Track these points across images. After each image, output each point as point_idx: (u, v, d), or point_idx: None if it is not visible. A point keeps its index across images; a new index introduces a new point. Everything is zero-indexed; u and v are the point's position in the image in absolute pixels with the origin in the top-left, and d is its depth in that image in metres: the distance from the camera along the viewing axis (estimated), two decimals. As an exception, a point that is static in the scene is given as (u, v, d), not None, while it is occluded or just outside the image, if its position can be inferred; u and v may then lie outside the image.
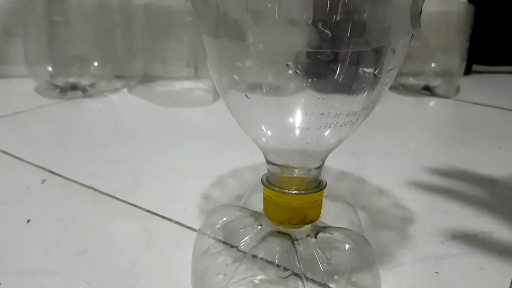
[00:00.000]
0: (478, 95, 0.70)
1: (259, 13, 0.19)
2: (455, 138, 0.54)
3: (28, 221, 0.33)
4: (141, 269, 0.28)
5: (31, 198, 0.36)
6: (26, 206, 0.35)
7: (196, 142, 0.50)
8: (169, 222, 0.34)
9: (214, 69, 0.23)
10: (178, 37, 0.67)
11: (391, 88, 0.69)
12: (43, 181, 0.39)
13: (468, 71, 0.78)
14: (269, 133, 0.24)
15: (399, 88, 0.69)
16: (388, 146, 0.51)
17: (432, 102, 0.68)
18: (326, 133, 0.24)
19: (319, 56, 0.20)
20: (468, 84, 0.74)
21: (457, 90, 0.72)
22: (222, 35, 0.20)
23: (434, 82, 0.69)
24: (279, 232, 0.27)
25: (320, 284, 0.26)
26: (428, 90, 0.69)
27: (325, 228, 0.27)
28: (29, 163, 0.42)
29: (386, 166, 0.45)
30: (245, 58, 0.21)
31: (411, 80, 0.69)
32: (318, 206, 0.27)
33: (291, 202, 0.26)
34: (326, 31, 0.19)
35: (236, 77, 0.21)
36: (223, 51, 0.21)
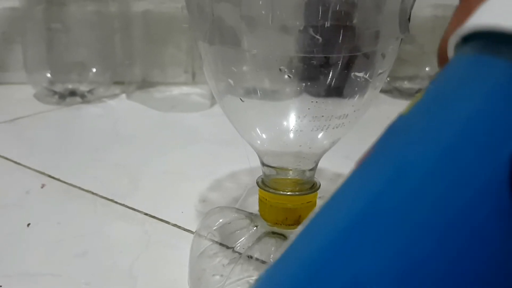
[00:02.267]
0: (472, 98, 0.71)
1: (253, 19, 0.19)
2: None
3: (28, 224, 0.34)
4: (139, 271, 0.29)
5: (31, 202, 0.37)
6: (26, 210, 0.36)
7: (194, 146, 0.50)
8: (166, 225, 0.34)
9: (210, 74, 0.24)
10: (176, 43, 0.68)
11: (386, 92, 0.70)
12: (43, 186, 0.39)
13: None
14: (263, 136, 0.25)
15: (394, 92, 0.70)
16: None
17: (426, 105, 0.69)
18: (319, 135, 0.24)
19: (311, 61, 0.21)
20: (462, 88, 0.75)
21: (452, 93, 0.72)
22: (217, 41, 0.21)
23: (429, 86, 0.70)
24: (274, 233, 0.27)
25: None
26: (422, 94, 0.70)
27: (319, 228, 0.28)
28: (29, 168, 0.43)
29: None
30: (240, 63, 0.21)
31: (406, 84, 0.70)
32: (312, 207, 0.27)
33: (286, 203, 0.26)
34: (317, 36, 0.20)
35: (231, 81, 0.22)
36: (218, 56, 0.22)
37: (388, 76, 0.77)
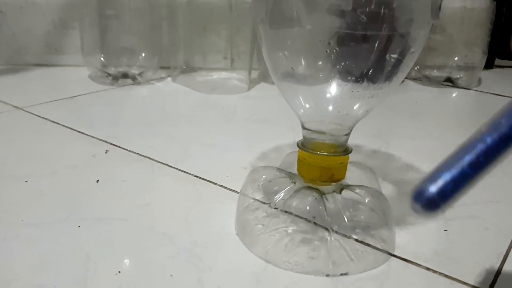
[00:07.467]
0: (498, 86, 0.73)
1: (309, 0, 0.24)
2: (473, 124, 0.58)
3: (97, 181, 0.39)
4: (194, 218, 0.34)
5: (98, 163, 0.43)
6: (95, 169, 0.42)
7: (234, 123, 0.56)
8: (214, 185, 0.39)
9: (266, 52, 0.29)
10: (216, 31, 0.73)
11: (415, 79, 0.73)
12: (107, 151, 0.45)
13: (490, 65, 0.81)
14: (307, 105, 0.29)
15: (423, 79, 0.73)
16: (411, 129, 0.55)
17: (454, 92, 0.72)
18: (356, 103, 0.29)
19: (354, 37, 0.25)
20: (490, 77, 0.78)
21: (479, 82, 0.75)
22: (276, 21, 0.25)
23: (457, 74, 0.72)
24: (309, 187, 0.32)
25: (343, 235, 0.31)
26: (450, 82, 0.73)
27: (348, 186, 0.32)
28: (92, 137, 0.49)
29: (409, 146, 0.50)
30: (295, 38, 0.26)
31: (435, 72, 0.73)
32: (344, 167, 0.32)
33: (321, 163, 0.31)
34: (362, 16, 0.24)
35: (286, 53, 0.27)
36: (275, 34, 0.27)
37: (417, 65, 0.81)
